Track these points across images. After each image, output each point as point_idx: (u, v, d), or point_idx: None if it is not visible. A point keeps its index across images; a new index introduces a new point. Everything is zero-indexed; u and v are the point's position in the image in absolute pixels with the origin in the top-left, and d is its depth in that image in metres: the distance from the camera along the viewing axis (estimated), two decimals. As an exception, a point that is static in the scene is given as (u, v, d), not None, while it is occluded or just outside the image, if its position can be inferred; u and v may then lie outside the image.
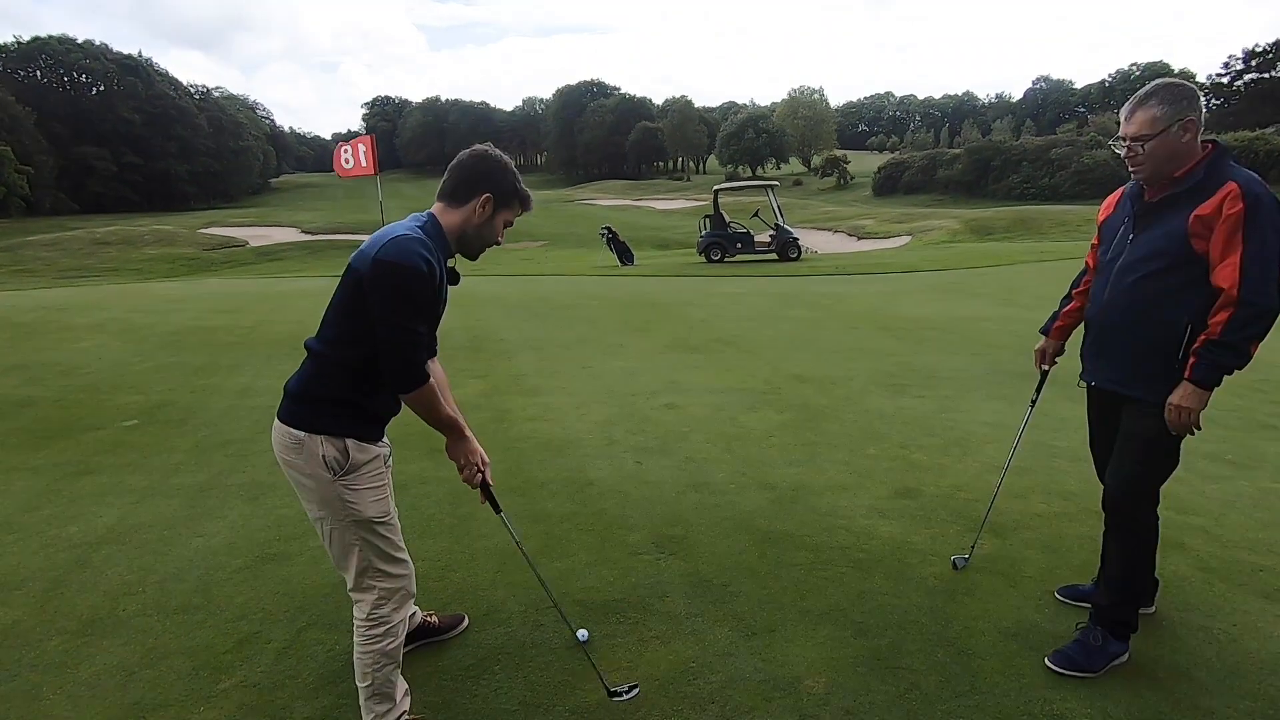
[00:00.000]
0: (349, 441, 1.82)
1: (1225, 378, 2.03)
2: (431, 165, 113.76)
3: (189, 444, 4.57)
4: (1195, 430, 2.07)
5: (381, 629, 1.89)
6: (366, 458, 1.85)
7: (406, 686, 2.03)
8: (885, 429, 4.62)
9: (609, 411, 5.14)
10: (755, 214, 22.75)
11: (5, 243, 35.09)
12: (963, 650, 2.31)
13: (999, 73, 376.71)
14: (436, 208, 1.89)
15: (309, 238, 39.86)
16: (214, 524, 3.38)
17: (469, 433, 1.94)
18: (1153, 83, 2.09)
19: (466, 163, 1.88)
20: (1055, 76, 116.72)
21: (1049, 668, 2.20)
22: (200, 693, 2.20)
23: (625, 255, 21.92)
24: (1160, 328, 2.10)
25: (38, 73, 68.77)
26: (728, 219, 21.72)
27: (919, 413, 4.98)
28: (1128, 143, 2.08)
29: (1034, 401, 2.79)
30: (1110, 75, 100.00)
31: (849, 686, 2.15)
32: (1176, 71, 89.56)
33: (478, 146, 1.93)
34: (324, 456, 1.79)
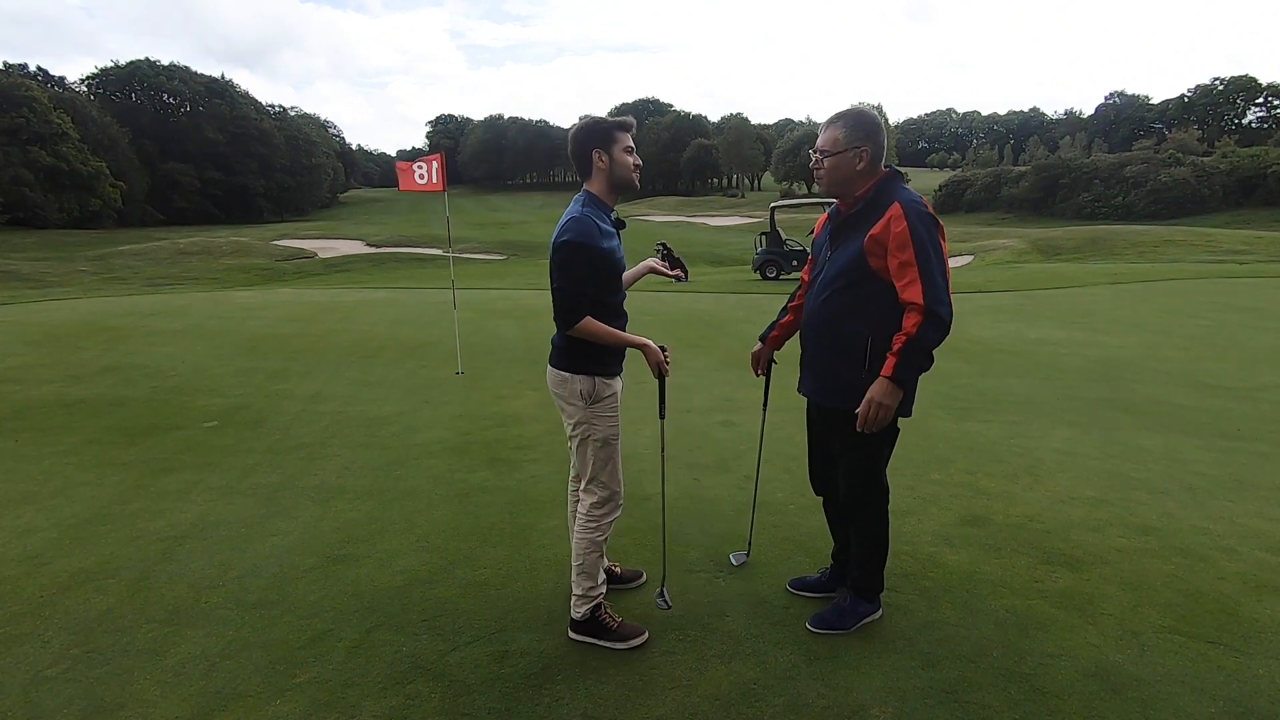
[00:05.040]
0: (596, 379, 2.41)
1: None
2: (490, 181, 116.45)
3: (263, 446, 4.79)
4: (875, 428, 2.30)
5: (593, 523, 2.48)
6: (607, 392, 2.44)
7: (605, 575, 2.57)
8: (950, 454, 4.48)
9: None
10: (811, 232, 22.47)
11: (99, 252, 37.62)
12: (1038, 688, 2.21)
13: (1068, 89, 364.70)
14: (586, 185, 2.43)
15: (373, 250, 41.28)
16: (287, 523, 3.53)
17: (647, 340, 2.44)
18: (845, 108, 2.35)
19: (571, 148, 2.42)
20: (1130, 91, 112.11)
21: None
22: (276, 685, 2.29)
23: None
24: (847, 339, 2.35)
25: (133, 95, 73.63)
26: (784, 236, 21.51)
27: (986, 438, 4.82)
28: (814, 153, 2.41)
29: None
30: (1190, 90, 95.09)
31: (917, 718, 2.09)
32: (1264, 85, 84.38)
33: (572, 126, 2.47)
34: (580, 390, 2.40)
